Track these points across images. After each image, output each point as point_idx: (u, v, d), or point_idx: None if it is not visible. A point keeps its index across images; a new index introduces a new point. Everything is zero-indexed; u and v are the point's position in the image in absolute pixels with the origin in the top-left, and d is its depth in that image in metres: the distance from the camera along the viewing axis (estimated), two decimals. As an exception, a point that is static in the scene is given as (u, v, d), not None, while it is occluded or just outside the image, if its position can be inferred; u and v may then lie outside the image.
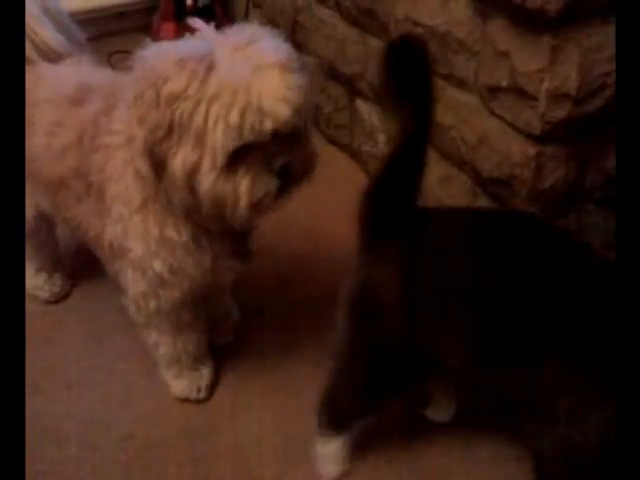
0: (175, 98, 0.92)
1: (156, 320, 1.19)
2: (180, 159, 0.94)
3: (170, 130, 0.93)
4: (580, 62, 1.18)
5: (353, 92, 1.82)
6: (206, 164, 0.93)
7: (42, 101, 1.19)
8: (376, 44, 1.65)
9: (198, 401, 1.28)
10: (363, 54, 1.71)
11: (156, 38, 2.36)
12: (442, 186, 1.54)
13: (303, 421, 1.23)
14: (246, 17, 2.32)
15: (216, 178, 0.94)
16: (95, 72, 1.27)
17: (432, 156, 1.55)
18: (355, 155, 1.87)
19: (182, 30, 2.27)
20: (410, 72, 0.91)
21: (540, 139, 1.26)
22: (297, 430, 1.23)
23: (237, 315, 1.41)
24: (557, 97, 1.21)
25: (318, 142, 1.07)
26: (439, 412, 1.23)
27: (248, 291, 1.41)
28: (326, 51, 1.86)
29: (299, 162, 0.99)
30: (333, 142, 1.93)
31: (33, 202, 1.29)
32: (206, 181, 0.94)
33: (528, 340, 0.94)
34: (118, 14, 2.47)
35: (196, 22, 1.03)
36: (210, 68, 0.92)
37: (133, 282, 1.14)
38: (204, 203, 0.97)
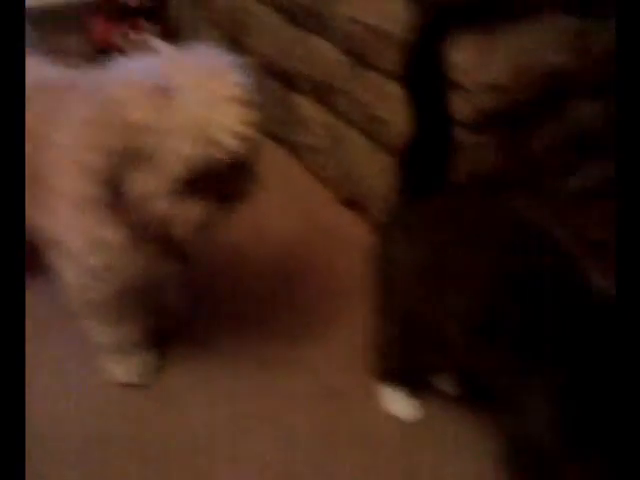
0: (136, 127, 0.96)
1: (94, 310, 1.20)
2: (137, 184, 0.99)
3: (126, 157, 0.98)
4: (509, 55, 1.28)
5: (290, 86, 1.87)
6: (161, 190, 0.98)
7: None
8: (314, 40, 1.71)
9: (142, 386, 1.30)
10: (301, 50, 1.77)
11: (95, 38, 2.35)
12: (381, 177, 1.59)
13: (251, 399, 1.28)
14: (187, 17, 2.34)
15: (170, 203, 0.99)
16: (47, 68, 1.28)
17: (371, 147, 1.62)
18: (292, 148, 1.92)
19: (122, 29, 2.29)
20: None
21: (473, 127, 1.35)
22: (246, 408, 1.27)
23: (182, 302, 1.43)
24: (488, 88, 1.30)
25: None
26: (447, 385, 1.29)
27: (191, 279, 1.43)
28: (265, 49, 1.91)
29: (244, 186, 1.07)
30: (271, 136, 1.98)
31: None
32: (160, 206, 0.99)
33: (503, 326, 1.01)
34: (56, 12, 2.43)
35: (156, 42, 1.07)
36: (171, 99, 0.96)
37: (69, 274, 1.17)
38: (153, 223, 1.03)
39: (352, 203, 1.73)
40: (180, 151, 0.95)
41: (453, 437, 1.23)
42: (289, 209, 1.74)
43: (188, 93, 0.97)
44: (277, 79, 1.91)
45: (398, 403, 1.27)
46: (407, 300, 1.14)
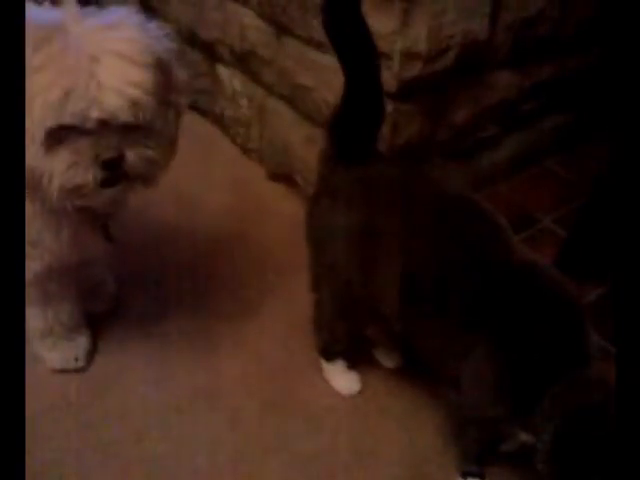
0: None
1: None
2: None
3: None
4: (429, 24, 1.29)
5: (213, 58, 1.83)
6: (28, 137, 0.91)
7: None
8: (234, 8, 1.68)
9: (77, 370, 1.27)
10: (222, 19, 1.73)
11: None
12: (307, 147, 1.60)
13: (190, 380, 1.27)
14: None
15: (35, 153, 0.92)
16: None
17: (295, 117, 1.62)
18: (217, 120, 1.89)
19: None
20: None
21: (395, 97, 1.36)
22: (185, 390, 1.25)
23: (113, 283, 1.40)
24: (409, 57, 1.31)
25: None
26: (385, 358, 1.31)
27: (122, 259, 1.40)
28: (184, 16, 1.86)
29: (137, 160, 0.97)
30: (195, 108, 1.94)
31: None
32: (27, 154, 0.92)
33: (437, 300, 1.04)
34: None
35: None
36: (50, 41, 0.90)
37: None
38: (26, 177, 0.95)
39: (280, 176, 1.72)
40: (45, 95, 0.88)
41: (395, 409, 1.26)
42: (216, 183, 1.71)
43: (77, 40, 0.90)
44: (200, 50, 1.87)
45: (339, 377, 1.28)
46: (341, 271, 1.15)
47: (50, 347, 1.26)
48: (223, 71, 1.83)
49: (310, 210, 1.18)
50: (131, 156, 0.96)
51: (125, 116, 0.92)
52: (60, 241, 1.09)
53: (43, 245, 1.08)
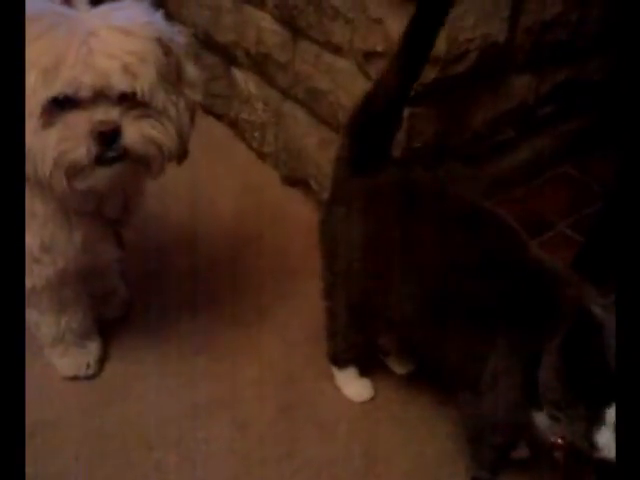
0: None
1: (34, 299, 1.14)
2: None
3: None
4: (447, 28, 1.28)
5: (229, 61, 1.83)
6: (27, 111, 0.88)
7: None
8: (250, 12, 1.68)
9: (88, 377, 1.25)
10: (238, 22, 1.73)
11: None
12: (321, 150, 1.59)
13: (202, 387, 1.25)
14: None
15: (33, 130, 0.89)
16: None
17: (310, 121, 1.61)
18: (233, 124, 1.89)
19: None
20: None
21: (412, 100, 1.34)
22: (197, 396, 1.24)
23: (125, 289, 1.39)
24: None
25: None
26: (397, 365, 1.30)
27: (135, 264, 1.40)
28: (200, 19, 1.86)
29: (137, 137, 0.92)
30: (211, 112, 1.94)
31: None
32: (26, 134, 0.89)
33: (454, 306, 1.03)
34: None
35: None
36: (49, 18, 0.89)
37: None
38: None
39: (295, 180, 1.71)
40: (39, 64, 0.86)
41: (407, 416, 1.24)
42: (231, 188, 1.70)
43: (74, 18, 0.89)
44: (216, 53, 1.87)
45: (351, 384, 1.27)
46: (356, 280, 1.13)
47: (61, 354, 1.24)
48: (239, 74, 1.82)
49: (324, 217, 1.17)
50: (129, 131, 0.91)
51: (120, 83, 0.88)
52: (73, 246, 1.07)
53: (56, 250, 1.07)
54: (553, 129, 1.75)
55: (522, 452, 1.15)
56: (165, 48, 0.94)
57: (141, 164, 0.96)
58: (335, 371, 1.27)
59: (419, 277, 1.06)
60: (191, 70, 1.00)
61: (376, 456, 1.18)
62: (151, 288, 1.43)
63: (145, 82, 0.90)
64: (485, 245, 1.02)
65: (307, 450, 1.18)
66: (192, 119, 1.02)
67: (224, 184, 1.71)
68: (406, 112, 1.35)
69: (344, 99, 1.48)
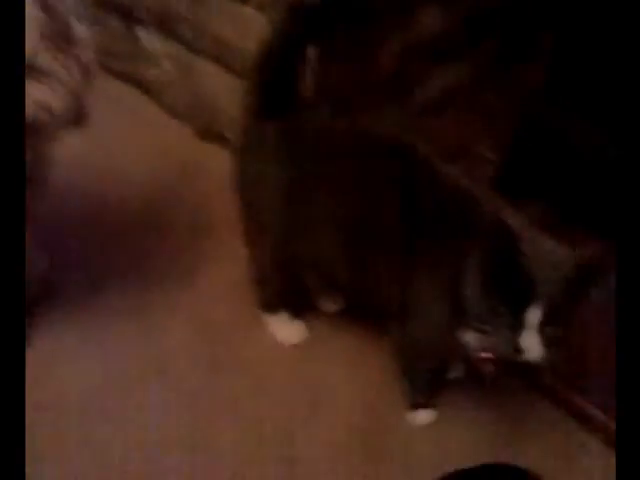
0: None
1: None
2: None
3: None
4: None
5: (131, 19, 1.76)
6: None
7: None
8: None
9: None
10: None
11: None
12: (233, 101, 1.55)
13: (127, 353, 1.22)
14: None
15: None
16: None
17: (219, 72, 1.56)
18: (142, 85, 1.82)
19: None
20: None
21: (316, 40, 1.31)
22: (123, 362, 1.21)
23: (42, 266, 1.31)
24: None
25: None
26: (326, 303, 1.30)
27: (50, 241, 1.33)
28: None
29: None
30: (118, 74, 1.87)
31: None
32: None
33: (372, 237, 1.03)
34: None
35: None
36: None
37: None
38: None
39: (210, 134, 1.67)
40: None
41: (343, 354, 1.24)
42: (145, 150, 1.64)
43: None
44: (117, 13, 1.79)
45: (283, 328, 1.26)
46: (274, 224, 1.12)
47: None
48: (142, 33, 1.75)
49: (238, 166, 1.15)
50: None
51: None
52: None
53: None
54: (468, 55, 1.74)
55: (457, 372, 1.17)
56: (47, 8, 0.91)
57: (32, 130, 0.92)
58: (266, 317, 1.26)
59: (335, 215, 1.06)
60: (80, 30, 0.97)
61: (317, 398, 1.18)
62: (67, 264, 1.36)
63: (26, 44, 0.87)
64: (395, 174, 1.02)
65: (246, 403, 1.17)
66: (87, 80, 0.99)
67: (137, 147, 1.66)
68: (311, 52, 1.32)
69: (250, 46, 1.43)
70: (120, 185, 1.55)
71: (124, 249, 1.41)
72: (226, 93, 1.56)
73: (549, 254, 0.90)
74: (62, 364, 1.20)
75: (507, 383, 1.18)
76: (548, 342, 0.88)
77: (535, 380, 1.20)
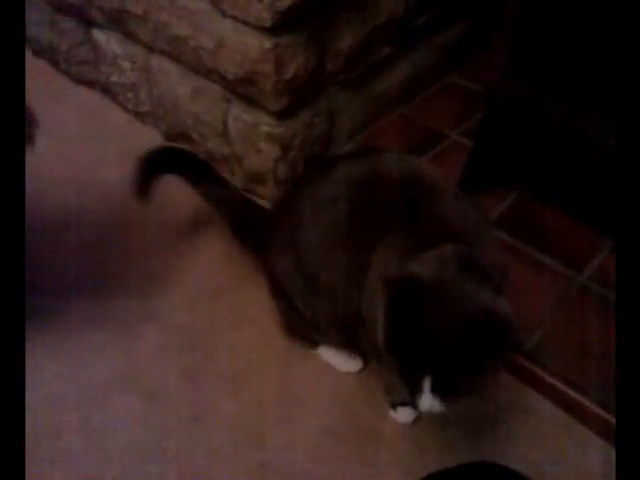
0: None
1: None
2: None
3: None
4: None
5: (87, 22, 1.71)
6: None
7: None
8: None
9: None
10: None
11: None
12: (195, 101, 1.52)
13: (99, 363, 1.20)
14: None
15: None
16: None
17: (179, 71, 1.52)
18: (105, 89, 1.78)
19: None
20: None
21: (273, 31, 1.27)
22: (94, 373, 1.19)
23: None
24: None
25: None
26: None
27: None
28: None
29: None
30: (80, 81, 1.83)
31: None
32: None
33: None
34: None
35: None
36: None
37: None
38: None
39: (176, 135, 1.63)
40: None
41: (315, 356, 1.21)
42: (112, 155, 1.60)
43: None
44: (72, 16, 1.75)
45: (338, 360, 1.21)
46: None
47: None
48: (100, 36, 1.71)
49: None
50: None
51: None
52: None
53: None
54: (431, 40, 1.71)
55: None
56: None
57: None
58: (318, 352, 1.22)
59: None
60: None
61: (291, 399, 1.15)
62: (39, 270, 1.33)
63: None
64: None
65: (219, 407, 1.14)
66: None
67: (103, 153, 1.62)
68: (269, 44, 1.29)
69: (205, 41, 1.40)
70: (89, 192, 1.52)
71: (94, 257, 1.38)
72: (187, 92, 1.52)
73: (440, 312, 0.80)
74: (32, 377, 1.15)
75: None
76: (448, 401, 0.83)
77: (527, 375, 1.17)
